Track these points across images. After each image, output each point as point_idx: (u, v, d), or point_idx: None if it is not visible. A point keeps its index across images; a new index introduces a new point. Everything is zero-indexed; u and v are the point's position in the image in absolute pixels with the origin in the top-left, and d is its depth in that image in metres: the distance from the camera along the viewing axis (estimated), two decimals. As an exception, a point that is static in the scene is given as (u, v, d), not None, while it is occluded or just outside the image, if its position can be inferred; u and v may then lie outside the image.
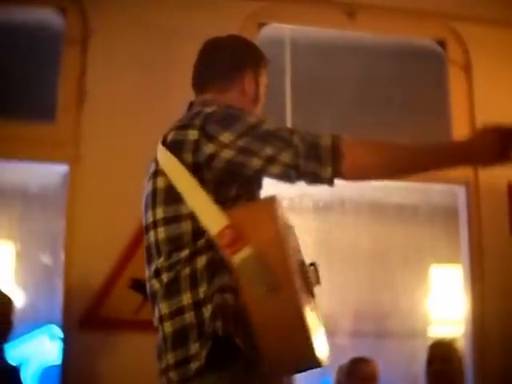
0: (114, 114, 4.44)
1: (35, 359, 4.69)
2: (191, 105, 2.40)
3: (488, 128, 2.22)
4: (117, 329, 4.18)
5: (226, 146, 2.12)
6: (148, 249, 2.25)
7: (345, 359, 4.65)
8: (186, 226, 2.14)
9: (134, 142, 4.27)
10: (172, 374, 2.12)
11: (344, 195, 5.38)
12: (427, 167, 2.28)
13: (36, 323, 4.78)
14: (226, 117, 2.19)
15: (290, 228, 2.21)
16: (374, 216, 5.59)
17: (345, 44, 5.11)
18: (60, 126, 4.42)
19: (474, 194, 4.79)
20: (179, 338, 2.10)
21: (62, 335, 4.25)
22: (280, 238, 2.05)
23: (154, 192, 2.22)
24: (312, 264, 2.22)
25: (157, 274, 2.19)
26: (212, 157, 2.13)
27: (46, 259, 4.90)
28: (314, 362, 2.06)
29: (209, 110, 2.22)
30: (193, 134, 2.17)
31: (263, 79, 2.50)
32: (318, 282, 2.23)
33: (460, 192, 4.91)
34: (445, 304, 5.75)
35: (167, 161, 2.19)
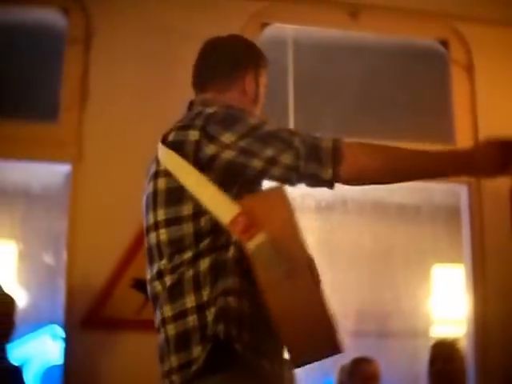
0: (117, 114, 4.44)
1: (37, 359, 4.69)
2: (191, 104, 2.40)
3: (491, 140, 2.22)
4: (119, 329, 4.19)
5: (227, 146, 2.12)
6: (149, 250, 2.24)
7: (346, 359, 4.64)
8: (188, 228, 2.14)
9: (136, 142, 4.26)
10: (175, 377, 2.11)
11: (346, 195, 5.39)
12: (428, 174, 2.28)
13: (38, 323, 4.78)
14: (227, 117, 2.18)
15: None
16: (376, 216, 5.59)
17: (347, 44, 5.10)
18: (63, 126, 4.42)
19: (476, 193, 4.79)
20: (182, 341, 2.10)
21: (64, 335, 4.25)
22: (294, 222, 2.05)
23: (155, 193, 2.22)
24: None
25: (159, 275, 2.19)
26: (213, 158, 2.13)
27: (48, 259, 4.91)
28: (336, 348, 2.04)
29: (210, 110, 2.21)
30: (193, 135, 2.16)
31: (263, 79, 2.50)
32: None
33: (462, 192, 4.91)
34: (447, 304, 5.75)
35: (170, 158, 2.18)
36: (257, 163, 2.12)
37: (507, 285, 4.65)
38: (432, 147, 4.83)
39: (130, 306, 4.14)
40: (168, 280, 2.16)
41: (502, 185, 4.75)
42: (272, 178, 2.15)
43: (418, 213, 5.59)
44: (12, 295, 3.95)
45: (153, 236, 2.22)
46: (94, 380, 4.12)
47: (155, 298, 2.21)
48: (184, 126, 2.21)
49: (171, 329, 2.13)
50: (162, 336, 2.17)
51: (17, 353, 4.30)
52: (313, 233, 5.04)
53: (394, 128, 4.90)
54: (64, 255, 4.32)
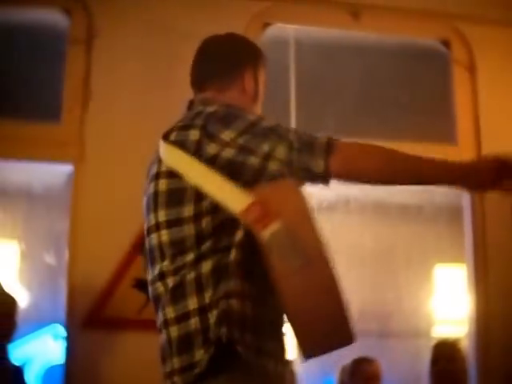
0: (119, 114, 4.44)
1: (39, 359, 4.70)
2: (191, 103, 2.40)
3: (489, 156, 2.22)
4: (120, 328, 4.19)
5: (227, 144, 2.12)
6: (150, 251, 2.24)
7: (348, 359, 4.64)
8: (189, 230, 2.13)
9: (138, 142, 4.26)
10: (176, 379, 2.11)
11: (348, 195, 5.38)
12: (424, 180, 2.24)
13: (40, 323, 4.79)
14: (226, 115, 2.18)
15: None
16: (377, 216, 5.59)
17: (349, 44, 5.10)
18: (65, 126, 4.43)
19: (478, 193, 4.78)
20: (184, 344, 2.10)
21: (65, 335, 4.25)
22: (309, 211, 2.03)
23: (156, 194, 2.21)
24: None
25: (161, 277, 2.18)
26: (214, 157, 2.12)
27: (49, 259, 4.91)
28: (349, 339, 2.03)
29: (210, 109, 2.21)
30: (194, 134, 2.16)
31: (262, 77, 2.49)
32: None
33: (464, 192, 4.90)
34: (448, 304, 5.75)
35: (174, 155, 2.18)
36: (254, 160, 2.11)
37: (509, 285, 4.65)
38: (434, 147, 4.87)
39: (131, 306, 4.14)
40: (170, 282, 2.15)
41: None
42: (270, 175, 2.12)
43: (420, 213, 5.59)
44: (13, 295, 3.95)
45: (154, 237, 2.21)
46: (95, 380, 4.12)
47: (157, 298, 2.21)
48: (185, 126, 2.21)
49: (174, 331, 2.13)
50: (164, 337, 2.17)
51: (18, 353, 4.31)
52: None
53: (395, 128, 4.90)
54: (65, 255, 4.32)
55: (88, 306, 4.19)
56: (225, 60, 2.45)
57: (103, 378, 4.13)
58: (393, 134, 4.82)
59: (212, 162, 2.12)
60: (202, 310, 2.08)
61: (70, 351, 4.18)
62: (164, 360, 2.17)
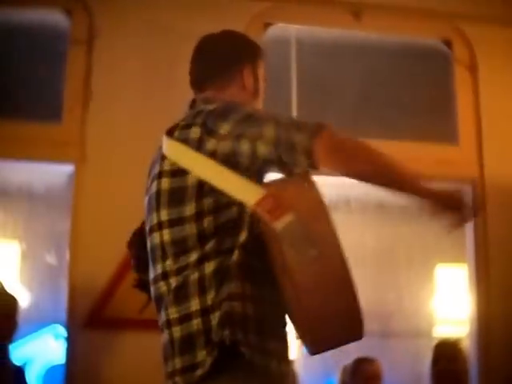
0: (120, 114, 4.44)
1: (40, 359, 4.69)
2: (193, 102, 2.40)
3: (448, 191, 2.18)
4: (121, 328, 4.19)
5: (223, 137, 2.13)
6: (152, 250, 2.24)
7: (349, 359, 4.64)
8: (191, 229, 2.13)
9: (139, 142, 4.26)
10: (178, 379, 2.11)
11: (349, 195, 5.38)
12: (394, 187, 2.19)
13: (41, 323, 4.77)
14: (224, 110, 2.19)
15: None
16: (379, 216, 5.58)
17: (350, 44, 5.10)
18: (66, 126, 4.43)
19: (479, 193, 4.78)
20: (187, 344, 2.10)
21: (66, 335, 4.25)
22: (322, 204, 2.02)
23: (158, 193, 2.21)
24: None
25: (164, 276, 2.18)
26: (214, 152, 2.13)
27: (51, 259, 4.90)
28: (358, 333, 2.02)
29: (210, 107, 2.22)
30: (195, 132, 2.17)
31: (261, 71, 2.48)
32: None
33: (466, 191, 4.90)
34: (450, 304, 5.74)
35: (180, 151, 2.19)
36: (245, 145, 2.11)
37: (510, 284, 4.65)
38: (435, 147, 4.87)
39: (132, 306, 4.11)
40: (173, 281, 2.15)
41: (506, 184, 4.75)
42: (261, 159, 2.11)
43: (421, 213, 5.58)
44: (14, 295, 3.95)
45: (156, 236, 2.21)
46: (95, 379, 4.12)
47: (159, 298, 2.21)
48: (187, 125, 2.22)
49: (176, 331, 2.13)
50: (166, 337, 2.17)
51: (19, 353, 4.30)
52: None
53: (396, 127, 4.90)
54: (66, 255, 4.33)
55: (89, 306, 4.19)
56: (222, 59, 2.44)
57: (104, 378, 4.13)
58: (394, 133, 4.83)
59: (213, 156, 2.13)
60: (205, 312, 2.08)
61: (71, 351, 4.19)
62: (166, 360, 2.17)
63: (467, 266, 4.87)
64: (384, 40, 5.09)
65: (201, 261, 2.11)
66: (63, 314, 4.27)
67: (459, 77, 4.99)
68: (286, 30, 4.96)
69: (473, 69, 4.97)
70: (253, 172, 2.13)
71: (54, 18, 4.61)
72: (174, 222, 2.16)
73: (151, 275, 2.26)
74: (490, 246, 4.73)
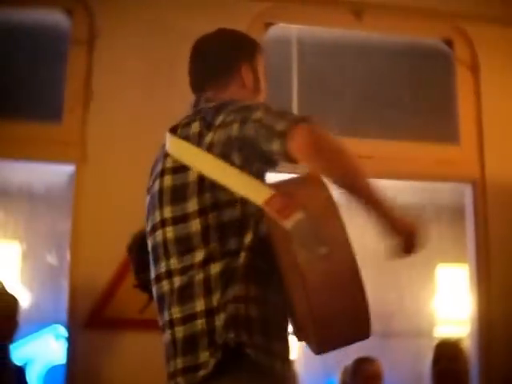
0: (121, 114, 4.44)
1: (40, 359, 4.69)
2: (196, 102, 2.40)
3: (410, 221, 2.14)
4: (121, 329, 4.19)
5: (218, 127, 2.14)
6: (154, 248, 2.24)
7: (350, 359, 4.64)
8: (195, 226, 2.13)
9: (140, 142, 4.26)
10: (180, 379, 2.11)
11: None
12: (356, 189, 2.10)
13: (41, 323, 4.78)
14: (222, 104, 2.20)
15: None
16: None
17: (351, 44, 5.10)
18: (66, 127, 4.43)
19: (480, 192, 4.78)
20: (189, 344, 2.10)
21: (67, 335, 4.25)
22: (332, 202, 2.01)
23: (161, 191, 2.22)
24: None
25: (168, 275, 2.18)
26: (211, 144, 2.14)
27: (51, 259, 4.91)
28: (365, 332, 2.01)
29: (210, 105, 2.24)
30: (195, 127, 2.19)
31: (261, 65, 2.47)
32: None
33: (467, 191, 4.90)
34: (451, 304, 5.74)
35: (186, 150, 2.19)
36: (235, 127, 2.10)
37: (511, 285, 4.64)
38: (436, 147, 4.87)
39: (132, 306, 4.11)
40: (177, 281, 2.15)
41: (507, 184, 4.75)
42: (247, 141, 2.10)
43: (422, 212, 5.58)
44: (15, 295, 3.95)
45: (159, 234, 2.21)
46: (96, 380, 4.12)
47: (161, 297, 2.21)
48: (188, 122, 2.24)
49: (179, 331, 2.13)
50: (169, 337, 2.17)
51: (20, 353, 4.30)
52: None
53: (397, 127, 4.90)
54: (67, 255, 4.33)
55: (89, 306, 4.19)
56: (219, 60, 2.43)
57: (104, 378, 4.13)
58: (395, 133, 4.82)
59: (211, 148, 2.13)
60: (209, 313, 2.08)
61: (72, 351, 4.18)
62: (168, 360, 2.17)
63: (468, 266, 4.86)
64: (385, 40, 5.09)
65: (206, 262, 2.11)
66: (64, 314, 4.27)
67: (460, 76, 4.98)
68: (287, 29, 4.95)
69: (474, 69, 4.96)
70: (252, 169, 2.12)
71: (55, 17, 4.61)
72: (177, 219, 2.16)
73: (153, 274, 2.25)
74: (490, 246, 4.72)
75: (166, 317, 2.18)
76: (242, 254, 2.09)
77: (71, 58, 4.52)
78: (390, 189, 5.22)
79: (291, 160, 2.06)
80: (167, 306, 2.17)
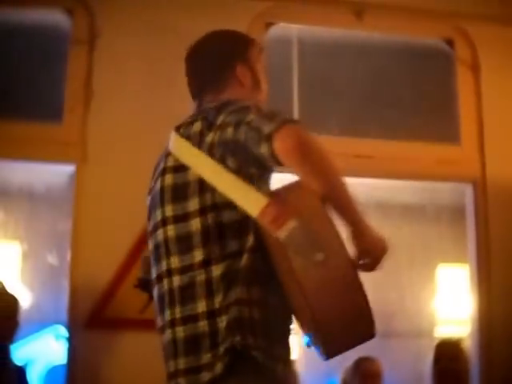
0: (121, 114, 4.44)
1: (41, 359, 4.68)
2: (200, 103, 2.40)
3: (381, 239, 2.12)
4: (122, 328, 4.18)
5: (218, 127, 2.14)
6: (156, 247, 2.24)
7: (351, 359, 4.64)
8: (196, 225, 2.13)
9: (140, 142, 4.27)
10: (181, 380, 2.11)
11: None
12: (335, 197, 2.08)
13: (42, 323, 4.77)
14: (223, 104, 2.21)
15: None
16: (380, 215, 5.57)
17: (352, 43, 5.09)
18: (67, 126, 4.43)
19: (481, 192, 4.78)
20: (191, 345, 2.10)
21: (67, 335, 4.25)
22: (324, 208, 2.02)
23: (162, 190, 2.22)
24: None
25: (168, 274, 2.18)
26: (212, 145, 2.14)
27: (52, 259, 4.90)
28: (371, 331, 2.02)
29: (211, 105, 2.25)
30: (197, 126, 2.20)
31: (258, 62, 2.46)
32: None
33: (467, 191, 4.90)
34: (451, 304, 5.74)
35: (187, 150, 2.20)
36: (230, 130, 2.10)
37: (511, 285, 4.65)
38: (437, 147, 4.86)
39: (133, 306, 4.11)
40: (176, 280, 2.15)
41: (507, 184, 4.75)
42: (239, 143, 2.09)
43: (423, 213, 5.58)
44: (15, 295, 3.95)
45: (160, 232, 2.22)
46: (97, 380, 4.12)
47: (162, 297, 2.21)
48: (191, 122, 2.24)
49: (180, 331, 2.13)
50: (169, 336, 2.17)
51: (20, 353, 4.30)
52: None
53: (398, 127, 4.89)
54: (68, 255, 4.32)
55: (90, 306, 4.19)
56: (212, 64, 2.42)
57: (105, 378, 4.13)
58: (395, 133, 4.82)
59: (210, 150, 2.13)
60: (211, 314, 2.08)
61: (72, 351, 4.18)
62: (167, 359, 2.18)
63: (469, 266, 4.86)
64: (386, 40, 5.09)
65: (207, 262, 2.11)
66: (64, 314, 4.27)
67: (461, 76, 4.98)
68: (288, 29, 4.95)
69: (475, 68, 4.96)
70: (248, 173, 2.12)
71: (55, 17, 4.61)
72: (178, 218, 2.16)
73: (154, 274, 2.26)
74: (491, 246, 4.72)
75: (167, 316, 2.18)
76: (245, 256, 2.10)
77: (71, 58, 4.52)
78: (390, 189, 5.24)
79: (278, 163, 2.04)
80: (168, 305, 2.17)
